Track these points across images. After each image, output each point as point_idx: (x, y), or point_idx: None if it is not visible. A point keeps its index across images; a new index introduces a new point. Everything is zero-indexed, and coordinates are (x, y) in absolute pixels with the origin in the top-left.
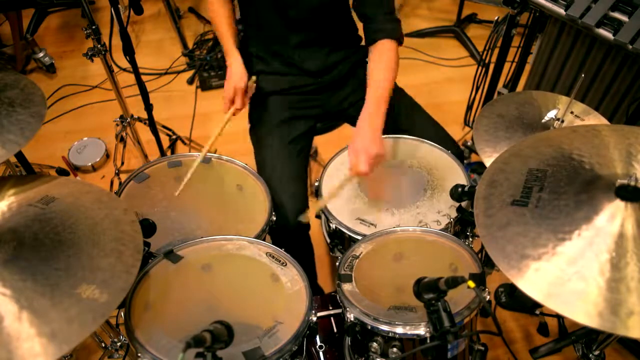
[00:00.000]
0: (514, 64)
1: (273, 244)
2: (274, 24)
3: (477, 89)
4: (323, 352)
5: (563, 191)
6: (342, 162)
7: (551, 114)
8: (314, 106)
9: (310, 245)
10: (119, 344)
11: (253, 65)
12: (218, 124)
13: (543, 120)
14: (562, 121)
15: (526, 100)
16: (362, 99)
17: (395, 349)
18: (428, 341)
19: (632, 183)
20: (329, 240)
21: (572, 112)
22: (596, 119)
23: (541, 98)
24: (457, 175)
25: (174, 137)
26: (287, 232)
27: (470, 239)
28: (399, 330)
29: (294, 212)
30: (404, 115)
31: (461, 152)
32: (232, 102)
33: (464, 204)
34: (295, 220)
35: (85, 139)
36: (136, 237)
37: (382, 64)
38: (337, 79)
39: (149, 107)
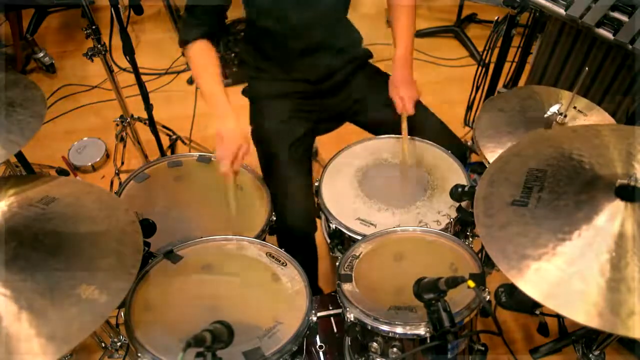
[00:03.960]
0: (514, 64)
1: (279, 246)
2: (275, 29)
3: (477, 89)
4: (323, 352)
5: (563, 191)
6: (343, 162)
7: (554, 109)
8: (314, 110)
9: (315, 248)
10: (119, 344)
11: (255, 69)
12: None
13: (546, 115)
14: (565, 116)
15: (529, 95)
16: (366, 97)
17: (395, 349)
18: (428, 341)
19: (632, 183)
20: (329, 240)
21: (575, 107)
22: (599, 114)
23: (544, 93)
24: (457, 175)
25: (174, 137)
26: (292, 234)
27: (470, 239)
28: (399, 330)
29: (301, 214)
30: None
31: (464, 152)
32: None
33: (464, 204)
34: (303, 222)
35: (85, 139)
36: (136, 237)
37: (404, 18)
38: (337, 83)
39: (149, 107)
